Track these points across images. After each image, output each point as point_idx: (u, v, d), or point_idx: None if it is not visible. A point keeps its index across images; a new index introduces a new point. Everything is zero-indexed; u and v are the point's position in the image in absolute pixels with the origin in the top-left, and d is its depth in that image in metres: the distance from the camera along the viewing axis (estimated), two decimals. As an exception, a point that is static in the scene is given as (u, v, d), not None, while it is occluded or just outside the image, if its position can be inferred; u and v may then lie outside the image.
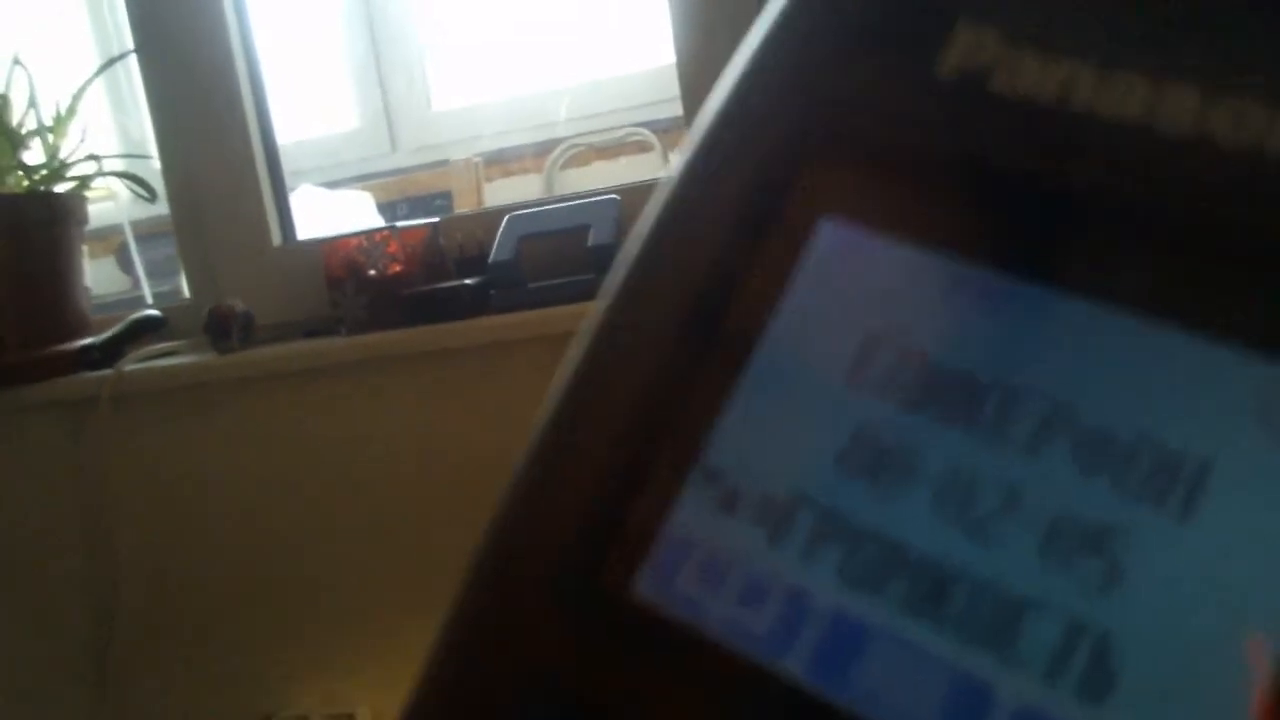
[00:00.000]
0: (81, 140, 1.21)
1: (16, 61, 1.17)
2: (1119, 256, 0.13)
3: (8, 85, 1.17)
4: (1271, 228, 0.13)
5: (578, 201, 1.07)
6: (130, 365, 1.11)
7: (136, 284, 1.59)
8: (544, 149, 1.65)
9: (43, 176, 1.19)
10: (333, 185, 1.68)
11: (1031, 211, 0.14)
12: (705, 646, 0.14)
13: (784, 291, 0.15)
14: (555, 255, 1.04)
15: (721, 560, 0.14)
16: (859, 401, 0.14)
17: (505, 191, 1.66)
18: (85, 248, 1.23)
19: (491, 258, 1.03)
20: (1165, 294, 0.13)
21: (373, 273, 1.08)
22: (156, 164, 1.25)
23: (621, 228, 1.02)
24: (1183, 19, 0.14)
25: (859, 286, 0.15)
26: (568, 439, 0.16)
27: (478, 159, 1.66)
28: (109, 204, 1.52)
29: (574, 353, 0.17)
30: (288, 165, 1.27)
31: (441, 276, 1.11)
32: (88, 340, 1.15)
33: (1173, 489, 0.13)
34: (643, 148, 1.60)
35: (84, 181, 1.22)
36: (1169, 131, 0.13)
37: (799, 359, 0.15)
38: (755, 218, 0.15)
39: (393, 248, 1.08)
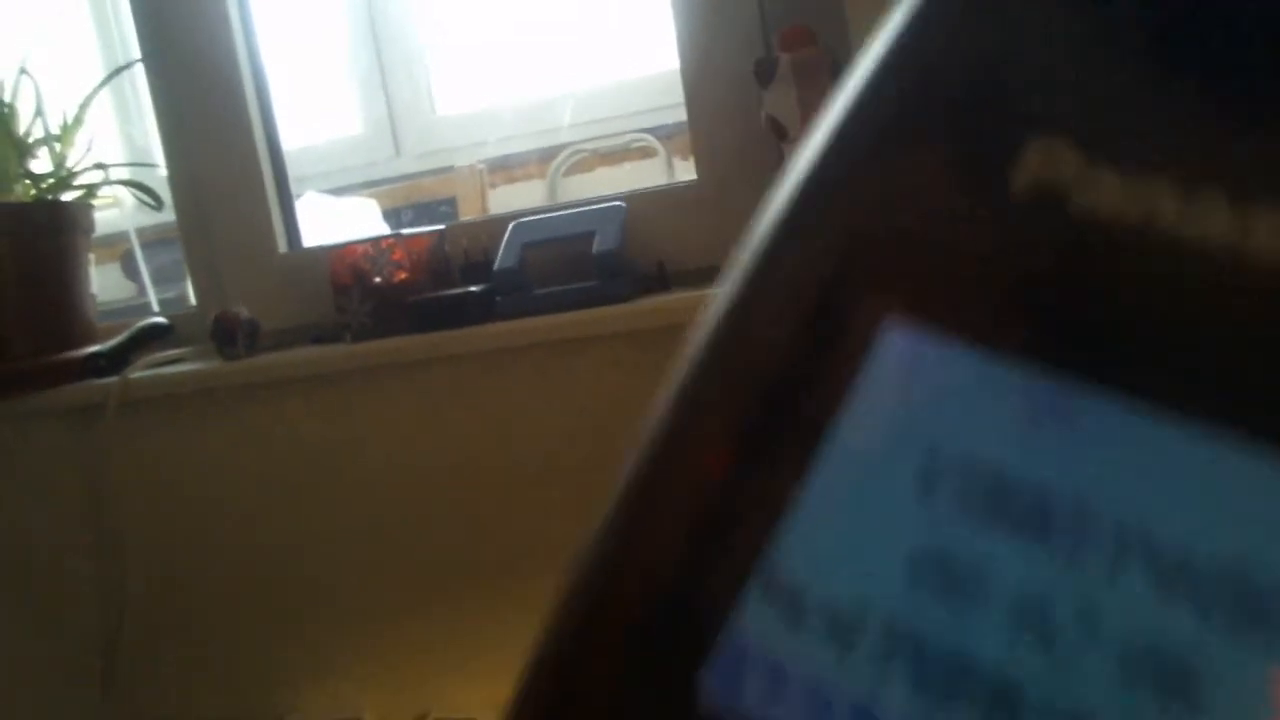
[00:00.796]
0: (88, 149, 1.21)
1: (23, 71, 1.17)
2: (1205, 380, 0.13)
3: (14, 95, 1.17)
4: None
5: (582, 208, 1.07)
6: (136, 372, 1.11)
7: (142, 291, 1.59)
8: (548, 155, 1.65)
9: (49, 185, 1.19)
10: (338, 192, 1.68)
11: (1112, 330, 0.14)
12: None
13: (852, 402, 0.15)
14: (560, 262, 1.04)
15: (787, 673, 0.14)
16: (929, 516, 0.14)
17: (509, 197, 1.66)
18: (91, 255, 1.24)
19: (497, 265, 1.03)
20: (1254, 419, 0.13)
21: (378, 280, 1.08)
22: (162, 172, 1.25)
23: (626, 234, 1.03)
24: (1270, 139, 0.14)
25: (926, 398, 0.15)
26: (633, 543, 0.16)
27: (482, 165, 1.66)
28: (114, 211, 1.53)
29: (637, 451, 0.17)
30: (293, 172, 1.27)
31: (447, 283, 1.11)
32: (94, 348, 1.15)
33: (1263, 623, 0.12)
34: (646, 153, 1.60)
35: (90, 190, 1.22)
36: (1254, 255, 0.13)
37: (868, 470, 0.15)
38: (820, 326, 0.15)
39: (398, 255, 1.09)
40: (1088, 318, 0.14)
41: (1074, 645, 0.13)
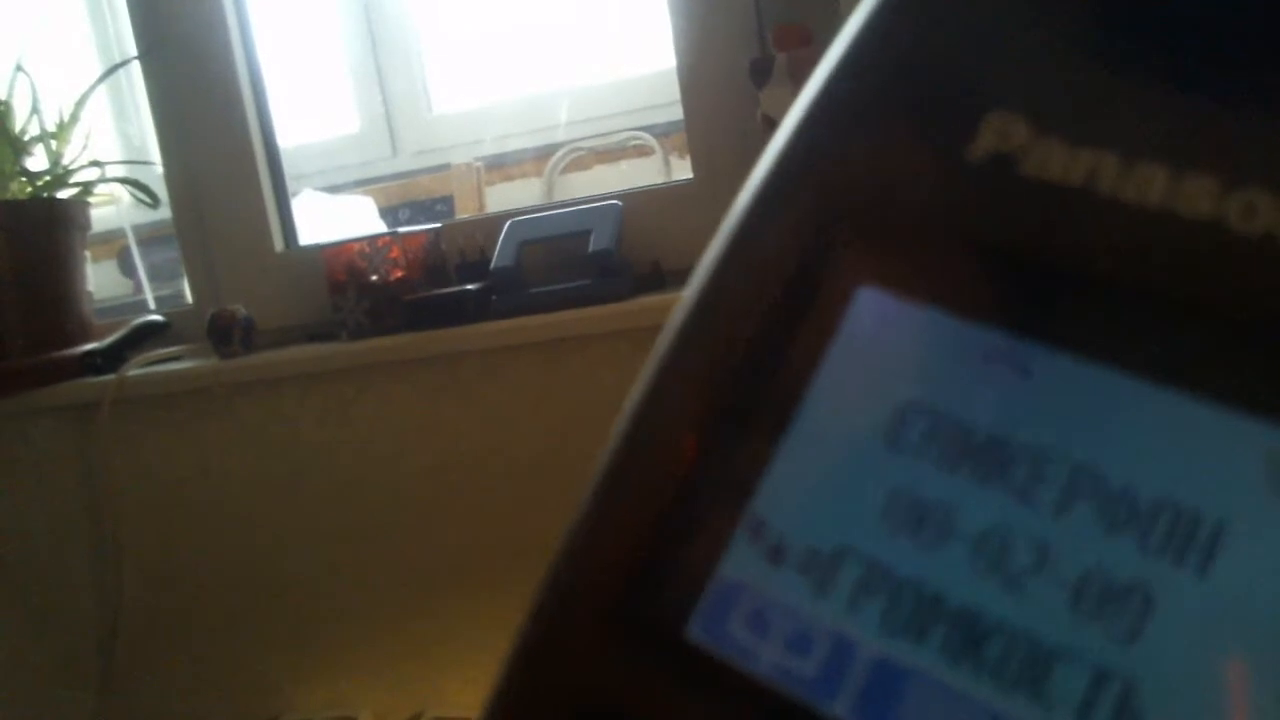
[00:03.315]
0: (84, 147, 1.21)
1: (19, 68, 1.17)
2: (1142, 331, 0.14)
3: (11, 92, 1.17)
4: (1278, 306, 0.14)
5: (578, 207, 1.08)
6: (133, 370, 1.12)
7: (138, 288, 1.59)
8: (544, 153, 1.65)
9: (46, 183, 1.19)
10: (334, 189, 1.68)
11: (1059, 287, 0.15)
12: (755, 688, 0.15)
13: (825, 356, 0.16)
14: (556, 260, 1.04)
15: (770, 607, 0.15)
16: (898, 461, 0.15)
17: (506, 195, 1.66)
18: (87, 252, 1.24)
19: (493, 263, 1.04)
20: (1184, 365, 0.14)
21: (375, 278, 1.08)
22: (159, 169, 1.25)
23: (621, 233, 1.03)
24: (1200, 112, 0.15)
25: (896, 353, 0.16)
26: (627, 489, 0.17)
27: (478, 163, 1.66)
28: (110, 208, 1.53)
29: (630, 407, 0.18)
30: (289, 170, 1.27)
31: (443, 282, 1.11)
32: (91, 345, 1.15)
33: (1192, 546, 0.14)
34: (643, 151, 1.60)
35: (87, 187, 1.22)
36: (1187, 217, 0.15)
37: (841, 420, 0.16)
38: (798, 287, 0.17)
39: (394, 253, 1.09)
40: (1038, 276, 0.15)
41: (1030, 575, 0.14)
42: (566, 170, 1.63)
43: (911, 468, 0.15)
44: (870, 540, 0.15)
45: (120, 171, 1.28)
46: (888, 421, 0.16)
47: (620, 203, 1.04)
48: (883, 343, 0.16)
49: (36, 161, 1.19)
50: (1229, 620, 0.13)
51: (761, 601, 0.15)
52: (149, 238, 1.60)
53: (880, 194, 0.16)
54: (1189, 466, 0.14)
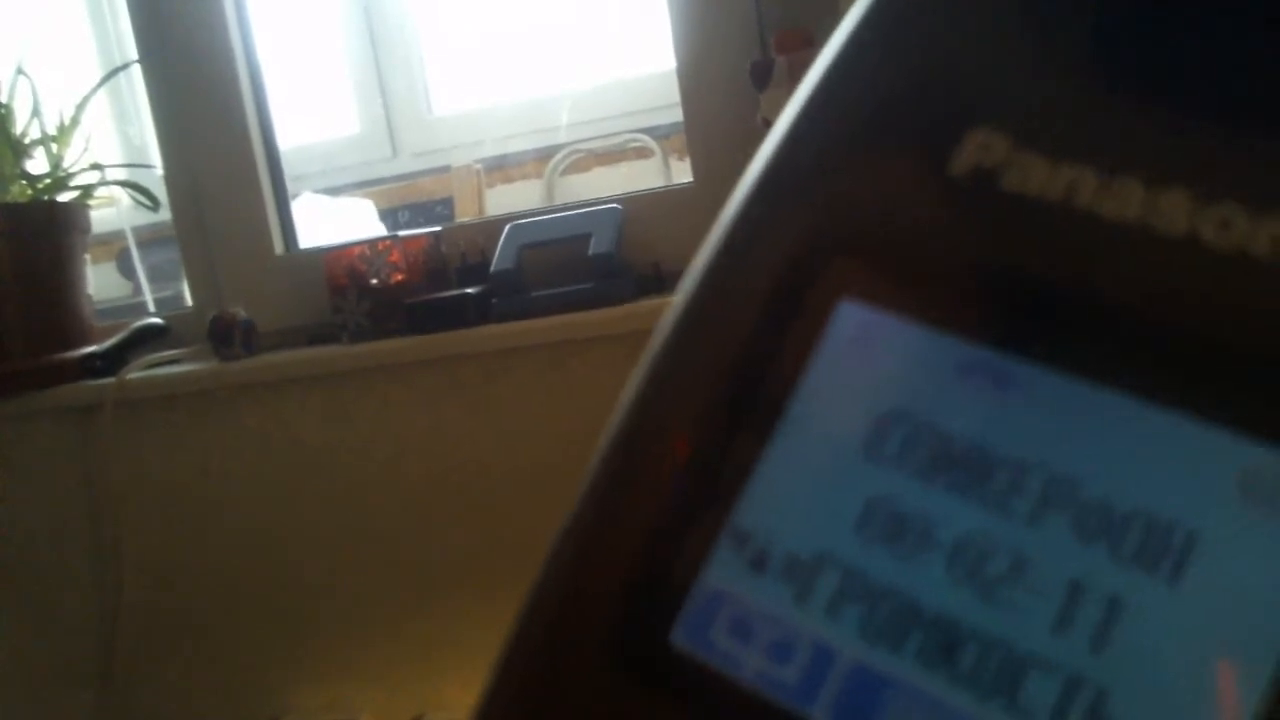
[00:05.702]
0: (85, 150, 1.21)
1: (20, 71, 1.17)
2: (1118, 344, 0.15)
3: (11, 95, 1.17)
4: (1252, 322, 0.14)
5: (578, 210, 1.08)
6: (133, 373, 1.12)
7: (138, 289, 1.60)
8: (545, 154, 1.65)
9: (46, 185, 1.19)
10: (334, 191, 1.68)
11: (1038, 300, 0.15)
12: (737, 695, 0.15)
13: (808, 367, 0.16)
14: (556, 264, 1.04)
15: (752, 615, 0.16)
16: (877, 471, 0.16)
17: (506, 197, 1.66)
18: (87, 255, 1.24)
19: (493, 266, 1.04)
20: (1158, 379, 0.14)
21: (375, 281, 1.08)
22: (159, 172, 1.25)
23: (622, 236, 1.03)
24: (1177, 129, 0.15)
25: (877, 365, 0.16)
26: (614, 499, 0.17)
27: (478, 165, 1.66)
28: (110, 210, 1.53)
29: (618, 416, 0.18)
30: (289, 171, 1.27)
31: (443, 285, 1.11)
32: (91, 348, 1.16)
33: (1164, 556, 0.14)
34: (643, 153, 1.60)
35: (87, 190, 1.22)
36: (1163, 232, 0.15)
37: (822, 430, 0.16)
38: (782, 302, 0.17)
39: (395, 256, 1.09)
40: (1018, 289, 0.15)
41: (1005, 584, 0.14)
42: (566, 172, 1.63)
43: (891, 477, 0.16)
44: (849, 548, 0.15)
45: (120, 174, 1.28)
46: (868, 432, 0.16)
47: (620, 206, 1.05)
48: (863, 355, 0.16)
49: (37, 164, 1.20)
50: (1199, 629, 0.13)
51: (744, 609, 0.16)
52: (149, 239, 1.60)
53: (863, 208, 0.17)
54: (1162, 479, 0.14)
